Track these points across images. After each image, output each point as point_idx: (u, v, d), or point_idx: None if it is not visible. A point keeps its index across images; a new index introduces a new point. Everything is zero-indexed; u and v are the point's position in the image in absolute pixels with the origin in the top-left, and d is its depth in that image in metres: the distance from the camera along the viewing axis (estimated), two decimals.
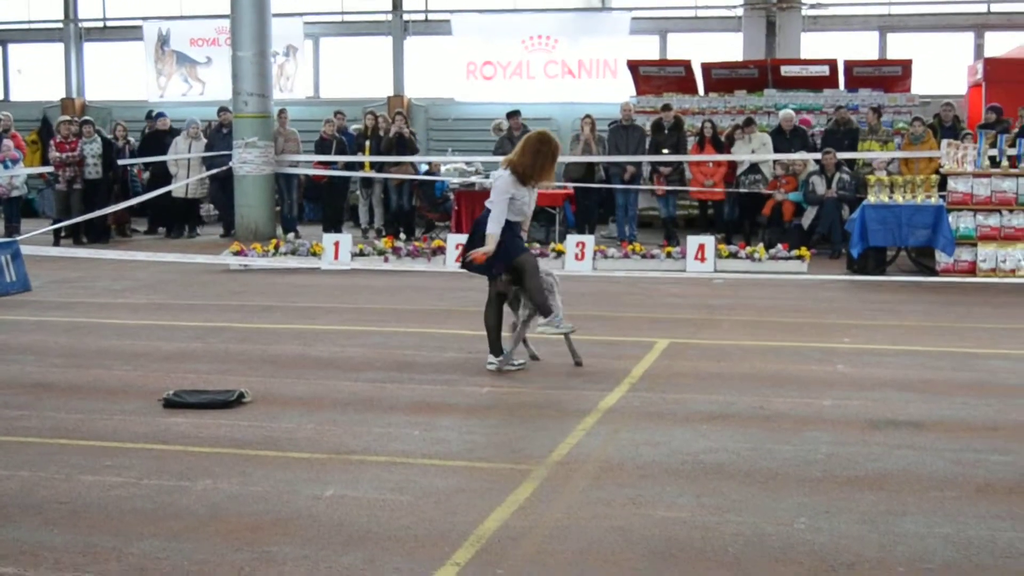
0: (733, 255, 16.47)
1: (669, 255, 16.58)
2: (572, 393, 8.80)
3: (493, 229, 9.40)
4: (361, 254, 16.87)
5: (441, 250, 16.85)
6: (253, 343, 11.01)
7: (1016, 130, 17.21)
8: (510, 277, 9.61)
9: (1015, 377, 9.42)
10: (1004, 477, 6.66)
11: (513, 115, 21.19)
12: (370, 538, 5.69)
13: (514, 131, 20.88)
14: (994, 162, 15.26)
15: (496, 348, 9.66)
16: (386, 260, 16.74)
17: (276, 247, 17.32)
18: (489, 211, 9.47)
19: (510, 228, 9.53)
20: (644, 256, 16.63)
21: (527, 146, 9.50)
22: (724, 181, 20.11)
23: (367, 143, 21.75)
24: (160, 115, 23.50)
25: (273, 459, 7.08)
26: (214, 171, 21.42)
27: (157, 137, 22.77)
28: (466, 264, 9.76)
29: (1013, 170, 15.08)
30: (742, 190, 19.81)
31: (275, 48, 23.95)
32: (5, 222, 22.34)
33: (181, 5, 29.89)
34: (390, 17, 28.74)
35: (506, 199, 9.41)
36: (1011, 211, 15.04)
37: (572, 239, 16.69)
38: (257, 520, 5.96)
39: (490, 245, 9.39)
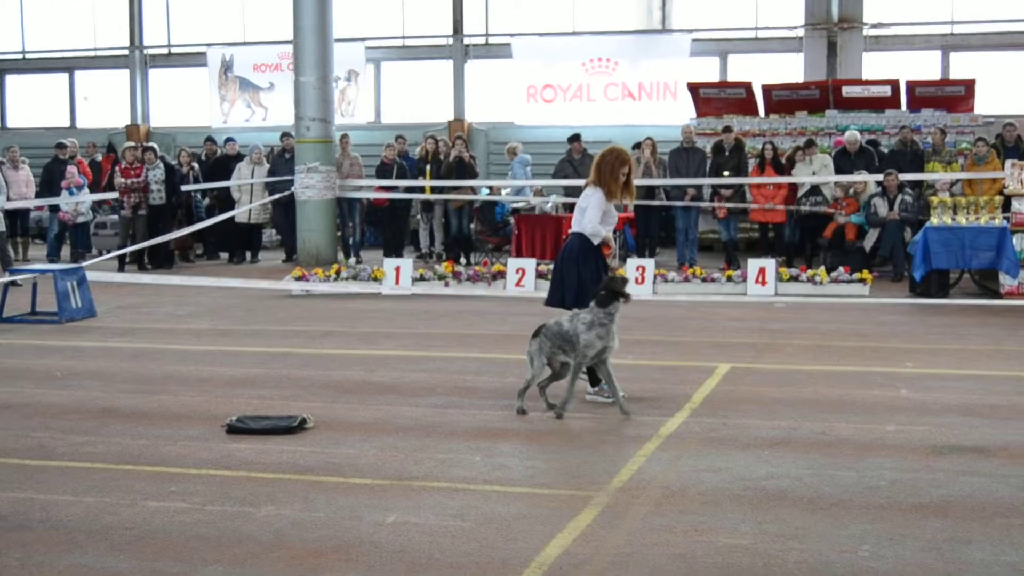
0: (794, 278, 16.36)
1: (730, 279, 16.49)
2: (633, 419, 8.78)
3: (598, 230, 9.55)
4: (422, 279, 16.93)
5: (501, 274, 16.87)
6: (315, 369, 11.07)
7: None
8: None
9: None
10: None
11: (574, 139, 21.24)
12: (432, 565, 5.71)
13: (574, 154, 20.93)
14: None
15: (593, 379, 9.52)
16: (446, 285, 16.78)
17: (337, 272, 17.40)
18: (573, 234, 9.68)
19: (598, 256, 9.66)
20: (704, 280, 16.54)
21: (601, 164, 9.64)
22: (785, 203, 20.00)
23: (428, 167, 21.85)
24: (229, 139, 23.73)
25: (335, 485, 7.11)
26: (276, 196, 21.57)
27: (224, 162, 22.99)
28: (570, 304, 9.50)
29: None
30: (803, 212, 19.70)
31: (337, 73, 24.14)
32: (72, 248, 22.62)
33: (244, 31, 30.22)
34: (451, 41, 28.88)
35: (600, 214, 9.53)
36: None
37: (632, 263, 16.68)
38: (320, 546, 5.99)
39: (608, 238, 9.65)
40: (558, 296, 9.65)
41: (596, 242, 9.53)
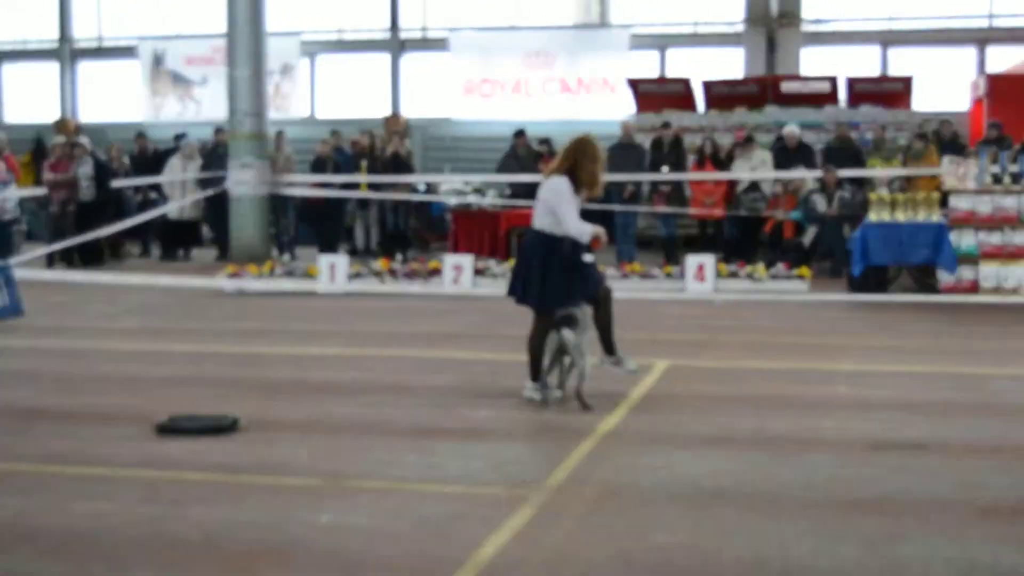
0: (733, 275, 16.38)
1: (669, 275, 16.48)
2: (570, 417, 8.69)
3: (584, 228, 8.87)
4: (357, 276, 16.79)
5: (438, 271, 16.75)
6: (248, 368, 10.91)
7: (1018, 146, 17.12)
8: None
9: (1018, 397, 9.33)
10: (1007, 499, 6.57)
11: (520, 134, 21.20)
12: (366, 566, 5.60)
13: (519, 149, 20.89)
14: (997, 179, 15.16)
15: (536, 374, 9.29)
16: (383, 282, 16.66)
17: (271, 269, 17.24)
18: (536, 232, 9.09)
19: (579, 248, 9.02)
20: (643, 276, 16.52)
21: (585, 151, 9.04)
22: (724, 199, 20.03)
23: (364, 163, 21.69)
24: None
25: (268, 486, 6.98)
26: (209, 192, 21.33)
27: (158, 157, 22.75)
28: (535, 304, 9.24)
29: (1015, 187, 14.99)
30: (742, 209, 19.73)
31: (271, 67, 23.91)
32: None
33: (177, 25, 29.90)
34: (387, 35, 28.75)
35: (574, 206, 8.95)
36: (1013, 229, 14.94)
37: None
38: (251, 548, 5.86)
39: (597, 230, 8.96)
40: (518, 290, 9.31)
41: (586, 240, 8.94)
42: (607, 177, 19.81)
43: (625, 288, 15.97)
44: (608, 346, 9.45)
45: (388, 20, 28.86)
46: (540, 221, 9.07)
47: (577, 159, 9.02)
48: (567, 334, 8.91)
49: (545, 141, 22.24)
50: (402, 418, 8.74)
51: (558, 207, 8.90)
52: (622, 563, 5.60)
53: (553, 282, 9.02)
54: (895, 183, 18.83)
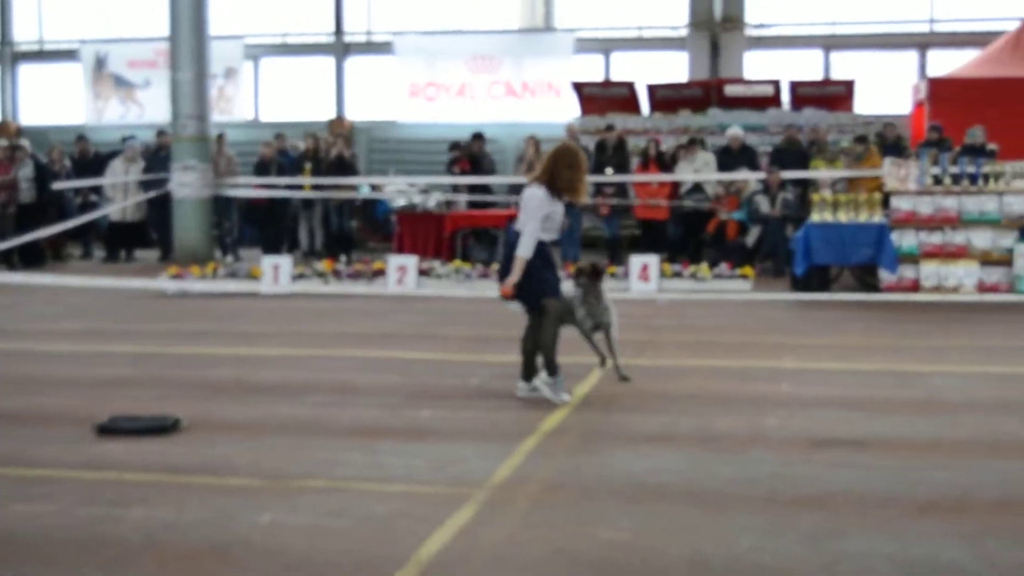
0: (677, 275, 16.46)
1: (613, 275, 16.50)
2: (513, 415, 8.69)
3: (524, 253, 8.85)
4: (301, 277, 16.73)
5: (382, 272, 16.70)
6: (190, 368, 10.83)
7: (958, 148, 17.30)
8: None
9: (957, 394, 9.41)
10: (946, 494, 6.62)
11: (478, 138, 21.24)
12: (308, 565, 5.56)
13: (476, 152, 20.93)
14: (937, 180, 15.30)
15: (529, 374, 9.30)
16: (327, 283, 16.59)
17: (214, 270, 17.12)
18: (516, 233, 9.01)
19: (542, 253, 9.00)
20: None
21: (561, 158, 8.99)
22: (668, 200, 20.10)
23: (308, 165, 21.60)
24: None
25: (209, 486, 6.93)
26: (152, 194, 21.17)
27: (99, 160, 22.55)
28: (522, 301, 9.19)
29: (955, 188, 15.15)
30: (686, 209, 19.81)
31: (215, 70, 23.75)
32: None
33: (119, 28, 29.65)
34: (332, 38, 28.64)
35: (540, 218, 8.90)
36: (953, 229, 15.10)
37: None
38: (193, 549, 5.82)
39: (516, 273, 8.88)
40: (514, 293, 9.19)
41: (517, 271, 8.86)
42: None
43: (569, 288, 16.02)
44: (528, 371, 9.37)
45: (332, 23, 28.75)
46: (519, 224, 9.07)
47: (555, 167, 9.00)
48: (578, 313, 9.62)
49: (456, 146, 22.13)
50: (345, 418, 8.71)
51: (523, 217, 8.96)
52: (565, 560, 5.60)
53: (534, 279, 9.01)
54: (838, 184, 18.97)
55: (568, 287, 9.71)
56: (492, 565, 5.55)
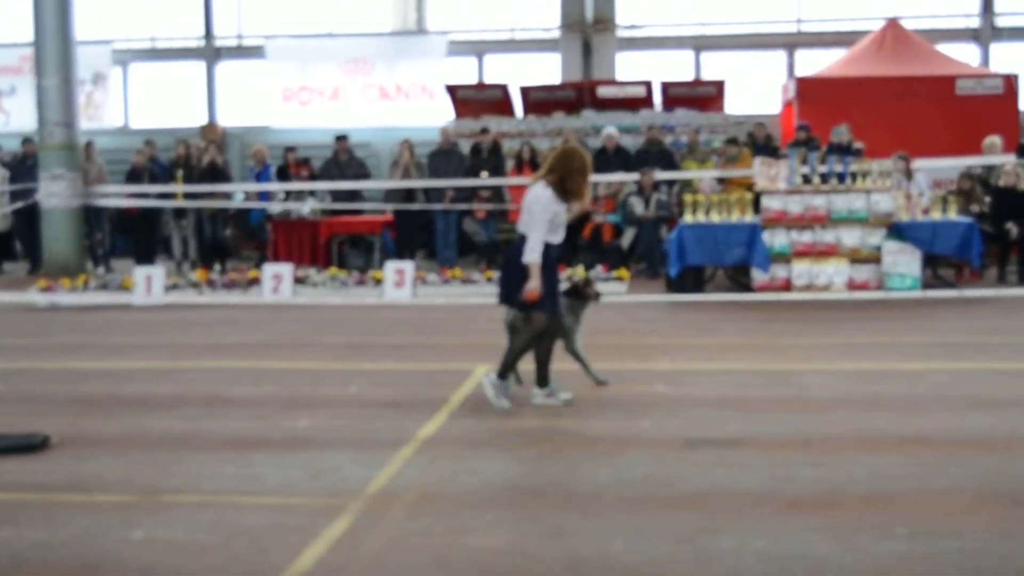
0: None
1: (490, 280, 16.53)
2: (390, 423, 8.66)
3: (533, 258, 8.78)
4: (175, 287, 16.50)
5: (257, 281, 16.54)
6: (60, 383, 10.61)
7: (826, 147, 17.60)
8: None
9: (827, 391, 9.57)
10: (816, 491, 6.74)
11: (342, 139, 21.08)
12: None
13: (341, 155, 20.77)
14: (806, 179, 15.55)
15: (543, 380, 9.29)
16: (201, 293, 16.39)
17: (85, 282, 16.82)
18: (521, 236, 8.97)
19: (548, 258, 8.95)
20: (464, 282, 16.56)
21: (572, 160, 8.97)
22: None
23: (180, 173, 21.31)
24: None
25: (80, 503, 6.81)
26: (19, 204, 20.72)
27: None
28: (520, 305, 9.06)
29: (824, 187, 15.41)
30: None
31: (82, 76, 23.33)
32: None
33: None
34: (202, 43, 28.31)
35: (548, 220, 8.84)
36: (823, 227, 15.36)
37: (391, 266, 16.52)
38: (62, 567, 5.73)
39: (535, 279, 8.79)
40: (504, 294, 9.24)
41: (535, 276, 8.79)
42: (427, 184, 20.05)
43: (446, 294, 16.05)
44: (542, 377, 9.37)
45: (202, 28, 28.42)
46: (522, 226, 9.04)
47: (567, 169, 8.95)
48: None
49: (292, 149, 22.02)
50: (220, 430, 8.61)
51: (528, 219, 8.91)
52: (441, 568, 5.60)
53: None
54: (716, 185, 19.22)
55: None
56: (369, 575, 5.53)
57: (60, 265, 19.68)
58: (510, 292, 9.11)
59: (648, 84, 23.80)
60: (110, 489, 7.09)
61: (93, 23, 26.77)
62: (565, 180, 8.94)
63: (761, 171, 15.81)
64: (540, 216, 8.83)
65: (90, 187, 20.77)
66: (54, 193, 20.04)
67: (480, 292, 16.11)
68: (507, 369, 9.20)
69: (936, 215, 15.44)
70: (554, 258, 9.07)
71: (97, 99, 28.35)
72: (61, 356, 12.17)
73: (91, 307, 16.02)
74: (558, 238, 9.03)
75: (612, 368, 10.67)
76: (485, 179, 20.18)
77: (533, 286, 8.81)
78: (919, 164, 17.82)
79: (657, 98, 23.88)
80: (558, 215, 8.97)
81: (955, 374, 10.18)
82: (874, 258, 15.25)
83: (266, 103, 27.88)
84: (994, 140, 18.44)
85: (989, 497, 6.60)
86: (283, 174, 21.22)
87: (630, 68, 27.03)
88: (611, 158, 20.25)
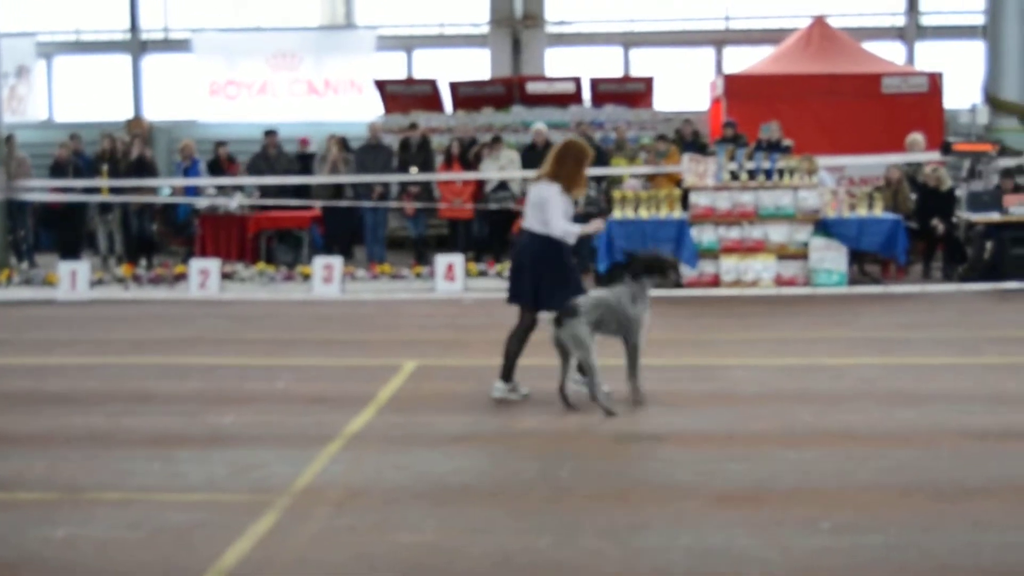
0: (483, 273, 16.51)
1: (419, 275, 16.50)
2: (316, 419, 8.61)
3: (571, 228, 9.08)
4: (100, 283, 16.30)
5: (184, 276, 16.39)
6: None
7: (753, 144, 17.71)
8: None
9: (753, 386, 9.64)
10: (740, 485, 6.79)
11: (271, 134, 20.94)
12: None
13: (270, 150, 20.62)
14: (734, 176, 15.64)
15: (508, 375, 9.31)
16: (126, 288, 16.21)
17: (8, 277, 16.59)
18: (527, 232, 9.18)
19: (565, 251, 9.22)
20: (393, 277, 16.50)
21: (577, 155, 9.18)
22: (473, 199, 20.14)
23: (105, 167, 21.05)
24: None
25: (0, 501, 6.71)
26: None
27: None
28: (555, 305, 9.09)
29: (752, 183, 15.51)
30: (491, 207, 19.87)
31: (5, 68, 23.02)
32: None
33: None
34: (128, 36, 28.02)
35: (563, 213, 9.07)
36: (751, 224, 15.46)
37: (319, 261, 16.42)
38: None
39: (589, 227, 9.52)
40: (515, 293, 9.38)
41: (572, 241, 9.15)
42: (356, 179, 19.95)
43: (375, 289, 15.99)
44: (507, 372, 9.42)
45: (128, 20, 28.10)
46: (529, 222, 9.18)
47: (574, 164, 9.15)
48: (574, 325, 8.95)
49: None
50: (144, 427, 8.51)
51: (546, 211, 9.03)
52: (366, 565, 5.59)
53: (545, 281, 9.12)
54: (639, 180, 19.27)
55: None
56: (291, 572, 5.51)
57: None
58: (519, 291, 9.32)
59: (577, 80, 23.82)
60: (31, 487, 7.02)
61: (17, 15, 26.42)
62: (571, 176, 9.17)
63: (689, 167, 15.89)
64: (557, 210, 9.05)
65: (13, 181, 20.46)
66: None
67: (409, 288, 16.09)
68: (508, 372, 9.33)
69: (862, 212, 15.59)
70: (570, 253, 9.27)
71: (20, 92, 27.95)
72: None
73: (14, 303, 15.79)
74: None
75: (537, 364, 10.66)
76: (414, 175, 20.11)
77: (595, 227, 9.75)
78: (845, 161, 17.96)
79: (586, 94, 23.91)
80: (568, 209, 9.20)
81: (880, 369, 10.29)
82: (801, 254, 15.37)
83: (193, 97, 27.63)
84: (916, 137, 18.63)
85: (912, 491, 6.68)
86: (215, 168, 21.03)
87: (559, 64, 27.07)
88: (540, 154, 20.22)
